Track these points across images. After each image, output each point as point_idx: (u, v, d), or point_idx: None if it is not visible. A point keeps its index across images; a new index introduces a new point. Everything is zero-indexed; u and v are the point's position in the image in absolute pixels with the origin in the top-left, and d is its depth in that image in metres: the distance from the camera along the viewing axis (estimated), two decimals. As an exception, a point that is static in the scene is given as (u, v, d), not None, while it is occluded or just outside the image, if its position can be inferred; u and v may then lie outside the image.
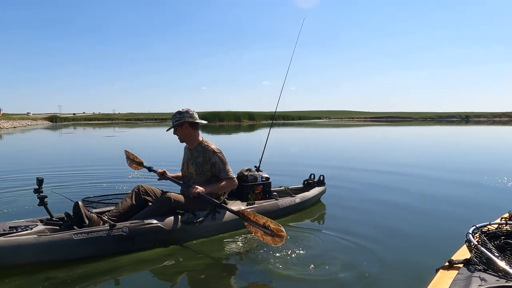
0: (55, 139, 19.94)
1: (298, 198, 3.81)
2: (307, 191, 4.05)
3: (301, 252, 2.73)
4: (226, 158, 3.15)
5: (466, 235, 1.72)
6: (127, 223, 2.66)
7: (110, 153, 10.49)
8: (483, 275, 1.50)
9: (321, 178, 4.33)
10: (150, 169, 3.54)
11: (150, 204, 2.96)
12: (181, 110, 3.12)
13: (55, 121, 52.03)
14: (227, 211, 2.97)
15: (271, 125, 4.80)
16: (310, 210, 4.01)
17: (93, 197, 3.37)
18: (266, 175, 3.72)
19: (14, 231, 2.35)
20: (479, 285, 1.41)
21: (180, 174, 3.33)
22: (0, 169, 7.02)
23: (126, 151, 4.08)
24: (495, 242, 1.75)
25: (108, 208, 3.02)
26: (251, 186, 3.57)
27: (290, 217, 3.65)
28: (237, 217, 2.91)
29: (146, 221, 2.72)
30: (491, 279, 1.46)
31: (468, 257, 1.64)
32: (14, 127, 32.77)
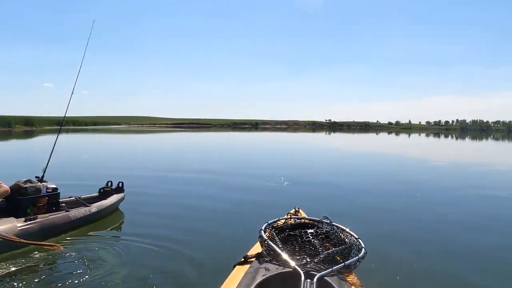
0: None
1: (94, 207, 3.74)
2: (104, 199, 4.00)
3: (99, 263, 2.71)
4: None
5: (259, 231, 1.96)
6: None
7: None
8: (268, 265, 1.69)
9: (120, 185, 4.33)
10: None
11: None
12: None
13: None
14: None
15: (59, 131, 4.52)
16: (110, 219, 3.99)
17: None
18: (53, 186, 3.48)
19: None
20: (263, 275, 1.60)
21: None
22: None
23: None
24: (281, 235, 2.01)
25: None
26: (31, 199, 3.26)
27: (86, 227, 3.56)
28: (18, 233, 2.76)
29: None
30: (273, 268, 1.66)
31: (260, 251, 1.85)
32: None
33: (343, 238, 2.02)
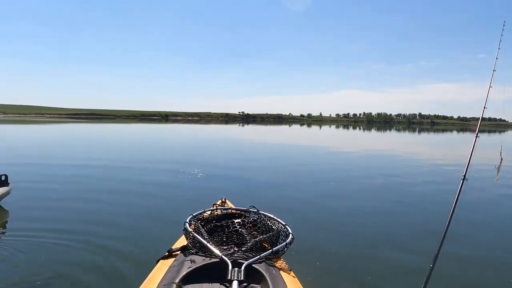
0: None
1: None
2: None
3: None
4: None
5: (184, 224, 1.92)
6: None
7: None
8: (194, 257, 1.68)
9: (3, 178, 4.07)
10: None
11: None
12: None
13: None
14: None
15: None
16: None
17: None
18: None
19: None
20: (189, 267, 1.58)
21: None
22: None
23: None
24: (208, 227, 1.99)
25: None
26: None
27: None
28: None
29: None
30: (199, 260, 1.65)
31: (185, 244, 1.82)
32: None
33: (271, 225, 2.05)
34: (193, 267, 1.59)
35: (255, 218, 2.12)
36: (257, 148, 14.37)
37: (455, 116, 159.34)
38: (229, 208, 2.28)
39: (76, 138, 17.60)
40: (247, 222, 2.05)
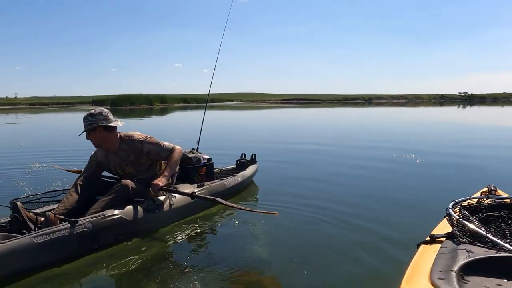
0: None
1: (240, 177, 4.00)
2: (241, 170, 4.25)
3: (274, 232, 2.87)
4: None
5: (446, 210, 1.77)
6: (88, 218, 2.49)
7: (16, 143, 9.41)
8: (468, 247, 1.53)
9: (253, 157, 4.58)
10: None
11: (98, 196, 2.79)
12: (93, 112, 2.88)
13: None
14: (178, 196, 3.01)
15: (205, 108, 4.97)
16: (250, 190, 4.24)
17: (22, 197, 2.90)
18: (207, 156, 3.82)
19: None
20: (467, 257, 1.42)
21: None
22: None
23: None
24: (477, 216, 1.81)
25: (47, 208, 2.71)
26: (196, 168, 3.60)
27: (237, 197, 3.82)
28: (193, 201, 3.04)
29: (108, 214, 2.58)
30: (479, 250, 1.49)
31: (449, 231, 1.69)
32: None
33: None
34: (473, 258, 1.43)
35: None
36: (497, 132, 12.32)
37: None
38: (506, 198, 2.01)
39: (295, 122, 19.22)
40: None
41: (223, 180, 3.76)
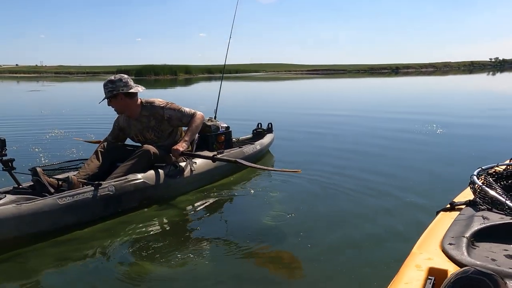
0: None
1: (258, 145, 3.95)
2: (259, 139, 4.18)
3: (294, 199, 2.84)
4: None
5: (471, 177, 1.71)
6: (112, 182, 2.48)
7: (37, 110, 9.66)
8: (486, 213, 1.48)
9: (270, 126, 4.52)
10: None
11: (119, 163, 2.76)
12: (112, 78, 2.83)
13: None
14: (201, 160, 3.01)
15: (222, 77, 4.92)
16: (267, 158, 4.22)
17: (42, 166, 2.87)
18: (225, 125, 3.79)
19: None
20: (481, 223, 1.39)
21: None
22: None
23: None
24: (502, 183, 1.74)
25: (68, 174, 2.69)
26: (214, 136, 3.61)
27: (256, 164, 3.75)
28: (213, 167, 3.05)
29: (130, 178, 2.56)
30: (495, 217, 1.45)
31: (471, 198, 1.63)
32: None
33: None
34: (487, 224, 1.39)
35: None
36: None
37: None
38: None
39: (320, 92, 19.03)
40: None
41: (241, 148, 3.74)
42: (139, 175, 2.63)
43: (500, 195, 1.53)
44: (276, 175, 3.47)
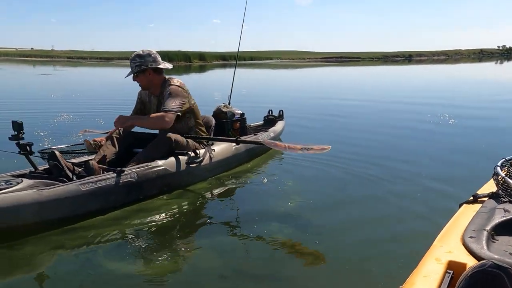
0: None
1: (272, 132, 3.87)
2: (271, 126, 4.11)
3: (314, 186, 2.84)
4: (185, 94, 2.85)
5: (494, 168, 1.64)
6: (133, 168, 2.43)
7: (48, 93, 9.60)
8: (508, 206, 1.43)
9: (281, 113, 4.43)
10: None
11: (137, 149, 2.72)
12: (141, 53, 2.74)
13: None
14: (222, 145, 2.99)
15: (235, 64, 4.82)
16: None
17: (54, 147, 2.84)
18: (240, 111, 3.72)
19: None
20: (502, 216, 1.36)
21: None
22: None
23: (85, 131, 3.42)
24: None
25: (84, 159, 2.66)
26: (230, 123, 3.55)
27: (269, 152, 3.70)
28: (231, 154, 3.02)
29: (152, 165, 2.52)
30: None
31: (494, 190, 1.58)
32: None
33: None
34: (508, 217, 1.36)
35: None
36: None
37: None
38: None
39: (334, 79, 18.76)
40: None
41: (256, 134, 3.67)
42: (160, 162, 2.58)
43: None
44: (293, 160, 3.40)
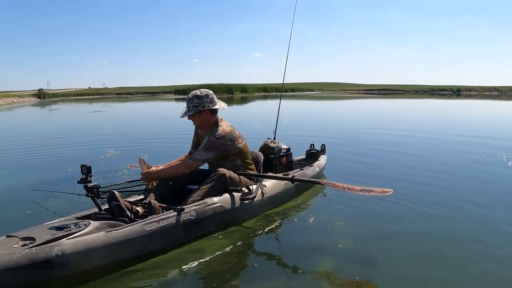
0: (38, 115, 19.44)
1: (317, 167, 3.79)
2: (312, 160, 4.04)
3: (373, 221, 2.78)
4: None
5: None
6: (192, 206, 2.44)
7: (97, 130, 9.79)
8: None
9: (323, 147, 4.34)
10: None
11: (190, 186, 2.73)
12: (199, 93, 2.75)
13: (43, 97, 48.32)
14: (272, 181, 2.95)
15: (280, 97, 4.78)
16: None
17: (108, 185, 3.01)
18: (286, 146, 3.64)
19: (68, 231, 1.99)
20: None
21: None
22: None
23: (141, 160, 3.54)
24: None
25: (139, 197, 2.74)
26: (277, 158, 3.49)
27: (314, 187, 3.62)
28: (282, 189, 3.00)
29: (209, 202, 2.52)
30: None
31: None
32: (-1, 105, 31.20)
33: None
34: None
35: None
36: None
37: None
38: None
39: (378, 111, 18.14)
40: None
41: (303, 169, 3.61)
42: (215, 199, 2.57)
43: None
44: (342, 196, 3.23)
